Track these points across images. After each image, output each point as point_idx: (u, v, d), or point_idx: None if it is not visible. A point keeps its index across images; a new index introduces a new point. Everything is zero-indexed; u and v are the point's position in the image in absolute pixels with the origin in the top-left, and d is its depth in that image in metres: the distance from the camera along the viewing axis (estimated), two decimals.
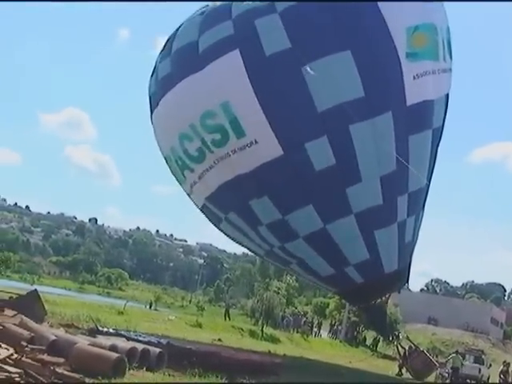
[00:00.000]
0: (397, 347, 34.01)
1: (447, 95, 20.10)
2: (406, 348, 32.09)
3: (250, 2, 18.19)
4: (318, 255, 19.96)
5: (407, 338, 33.51)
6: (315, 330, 57.15)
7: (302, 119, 17.65)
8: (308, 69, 16.64)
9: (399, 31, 17.61)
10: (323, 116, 17.40)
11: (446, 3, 20.57)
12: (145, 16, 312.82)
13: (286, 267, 24.73)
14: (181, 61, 19.35)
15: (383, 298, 21.83)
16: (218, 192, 20.25)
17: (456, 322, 77.32)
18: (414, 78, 17.91)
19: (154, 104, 21.16)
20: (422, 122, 18.79)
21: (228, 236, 23.00)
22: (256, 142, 17.98)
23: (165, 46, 20.51)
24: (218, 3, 19.56)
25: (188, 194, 22.01)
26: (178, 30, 20.42)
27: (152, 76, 21.28)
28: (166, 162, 21.79)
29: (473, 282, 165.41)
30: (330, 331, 58.90)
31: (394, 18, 17.57)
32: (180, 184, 21.92)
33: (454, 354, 35.10)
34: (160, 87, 20.36)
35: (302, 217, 18.97)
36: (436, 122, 19.20)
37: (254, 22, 17.77)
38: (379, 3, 17.51)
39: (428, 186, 20.79)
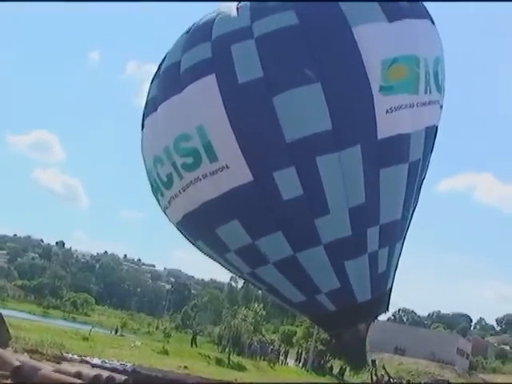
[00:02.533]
0: (371, 374, 34.09)
1: (430, 128, 19.98)
2: (379, 376, 32.28)
3: (230, 24, 18.26)
4: (289, 282, 19.92)
5: (383, 367, 33.60)
6: (282, 358, 57.06)
7: (270, 148, 17.68)
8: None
9: (374, 64, 17.58)
10: (291, 147, 17.43)
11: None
12: (116, 39, 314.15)
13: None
14: (165, 82, 19.44)
15: (362, 326, 21.85)
16: (185, 220, 20.28)
17: (422, 352, 77.64)
18: (387, 111, 17.86)
19: (142, 124, 21.34)
20: (395, 155, 18.72)
21: None
22: (227, 166, 17.95)
23: (160, 65, 20.69)
24: (203, 20, 19.65)
25: (166, 214, 22.07)
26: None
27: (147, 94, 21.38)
28: (149, 179, 21.86)
29: (439, 312, 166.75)
30: (296, 359, 58.84)
31: (370, 50, 17.53)
32: (158, 204, 22.02)
33: None
34: (147, 108, 20.54)
35: (271, 243, 18.93)
36: (413, 155, 19.07)
37: (231, 46, 17.79)
38: (356, 34, 17.52)
39: (407, 218, 20.76)
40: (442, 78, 20.94)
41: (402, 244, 21.85)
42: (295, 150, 17.96)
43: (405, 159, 19.37)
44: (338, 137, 18.10)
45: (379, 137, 18.48)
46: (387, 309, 23.22)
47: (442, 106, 21.32)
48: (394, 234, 20.97)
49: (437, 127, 21.12)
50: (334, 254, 19.36)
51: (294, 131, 17.90)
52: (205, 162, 18.49)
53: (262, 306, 56.84)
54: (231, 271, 23.30)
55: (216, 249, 20.85)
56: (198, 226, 20.58)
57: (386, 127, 18.53)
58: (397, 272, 22.58)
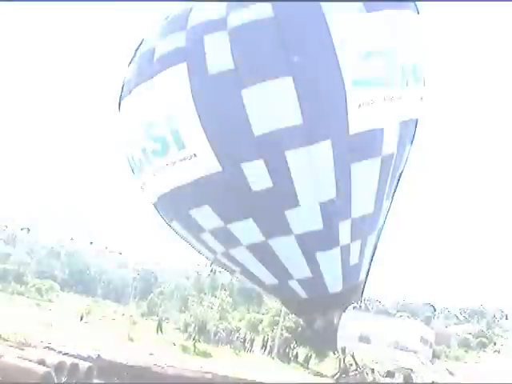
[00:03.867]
0: (339, 361, 34.32)
1: (406, 121, 19.72)
2: (348, 364, 32.66)
3: (206, 14, 18.09)
4: (262, 264, 19.94)
5: (352, 355, 33.92)
6: (247, 345, 57.22)
7: (238, 141, 17.58)
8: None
9: (349, 58, 17.28)
10: (259, 140, 17.36)
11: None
12: None
13: (233, 275, 24.59)
14: (139, 67, 19.31)
15: (333, 314, 21.93)
16: (160, 202, 20.23)
17: (387, 341, 78.48)
18: (360, 105, 17.67)
19: (119, 106, 21.16)
20: (367, 150, 18.48)
21: None
22: (195, 155, 17.90)
23: (136, 49, 20.48)
24: (181, 8, 19.45)
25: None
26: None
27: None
28: (127, 160, 21.76)
29: (404, 301, 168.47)
30: (262, 347, 59.04)
31: (344, 43, 17.24)
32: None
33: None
34: (123, 91, 20.36)
35: (243, 228, 18.84)
36: (387, 149, 18.85)
37: (204, 37, 17.65)
38: (331, 26, 17.30)
39: (380, 211, 20.71)
40: (422, 69, 20.61)
41: (378, 237, 21.88)
42: (264, 144, 17.87)
43: (377, 153, 19.20)
44: (309, 131, 17.92)
45: (351, 132, 18.29)
46: (360, 299, 23.43)
47: (422, 98, 21.03)
48: (366, 228, 20.94)
49: (416, 120, 20.87)
50: (305, 245, 19.35)
51: (262, 125, 17.81)
52: (173, 150, 18.40)
53: (228, 293, 56.84)
54: (205, 253, 23.26)
55: (191, 230, 20.77)
56: (172, 208, 20.50)
57: (358, 122, 18.28)
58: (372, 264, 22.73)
